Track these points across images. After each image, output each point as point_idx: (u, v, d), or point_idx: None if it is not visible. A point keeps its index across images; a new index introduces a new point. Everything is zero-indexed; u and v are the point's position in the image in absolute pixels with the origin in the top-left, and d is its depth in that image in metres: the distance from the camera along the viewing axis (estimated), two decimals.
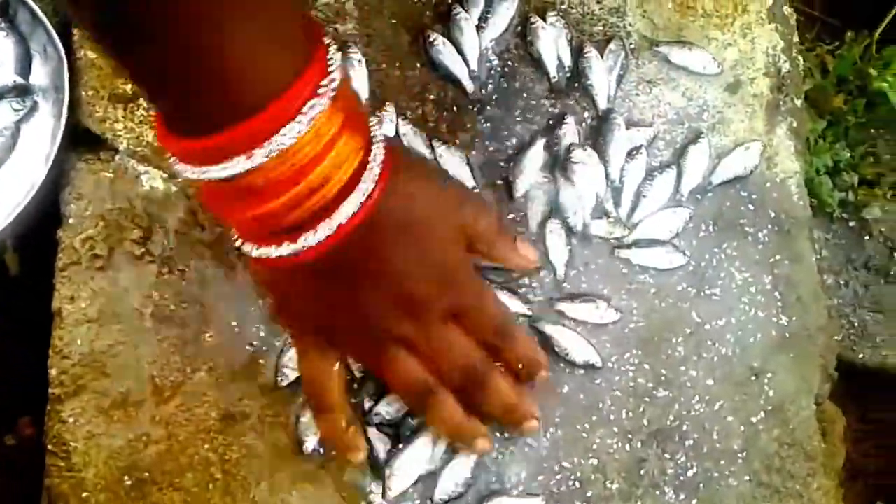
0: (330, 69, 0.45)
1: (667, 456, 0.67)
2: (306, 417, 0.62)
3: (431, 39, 0.70)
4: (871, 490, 0.92)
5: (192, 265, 0.65)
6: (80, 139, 0.67)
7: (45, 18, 0.68)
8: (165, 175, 0.66)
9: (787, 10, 0.77)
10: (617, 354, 0.67)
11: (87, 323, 0.64)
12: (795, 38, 0.77)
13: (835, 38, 0.96)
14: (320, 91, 0.44)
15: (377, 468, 0.62)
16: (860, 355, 0.88)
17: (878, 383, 0.91)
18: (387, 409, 0.62)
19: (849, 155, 0.88)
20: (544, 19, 0.71)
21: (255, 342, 0.64)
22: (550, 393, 0.65)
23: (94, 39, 0.47)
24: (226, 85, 0.42)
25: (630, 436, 0.66)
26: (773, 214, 0.72)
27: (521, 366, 0.61)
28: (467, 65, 0.70)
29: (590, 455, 0.66)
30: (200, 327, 0.64)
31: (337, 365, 0.58)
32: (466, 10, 0.71)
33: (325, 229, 0.47)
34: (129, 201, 0.66)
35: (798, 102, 0.75)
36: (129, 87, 0.67)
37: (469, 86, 0.70)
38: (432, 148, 0.67)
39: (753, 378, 0.69)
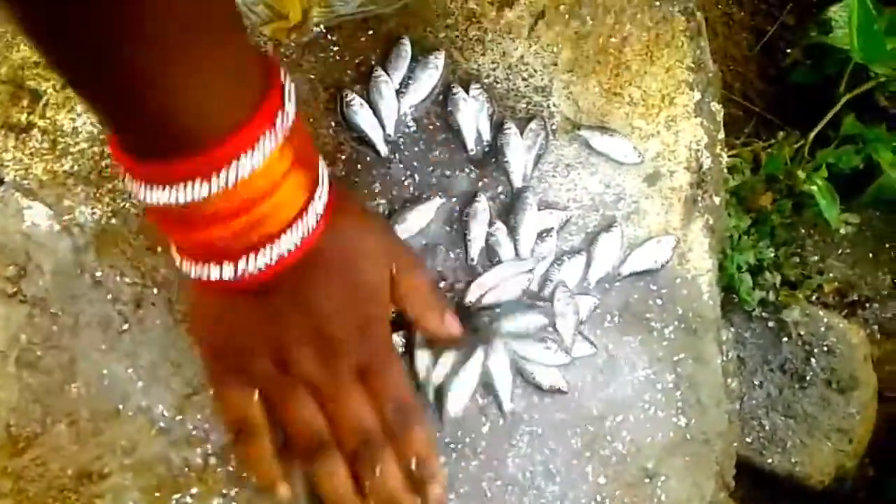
0: (284, 108, 0.46)
1: None
2: None
3: (349, 99, 0.68)
4: None
5: (67, 310, 0.62)
6: None
7: None
8: (51, 212, 0.63)
9: (716, 106, 0.76)
10: (507, 444, 0.65)
11: None
12: (721, 135, 0.76)
13: (772, 135, 0.95)
14: (273, 130, 0.46)
15: None
16: (769, 460, 0.86)
17: (786, 489, 0.89)
18: None
19: (773, 254, 0.87)
20: (467, 91, 0.70)
21: (124, 400, 0.61)
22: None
23: (49, 64, 0.48)
24: (179, 118, 0.43)
25: None
26: (680, 312, 0.70)
27: (414, 464, 0.57)
28: (383, 128, 0.68)
29: None
30: (67, 377, 0.61)
31: (256, 392, 0.56)
32: (388, 74, 0.69)
33: (263, 259, 0.48)
34: (7, 235, 0.62)
35: (717, 200, 0.74)
36: (24, 117, 0.65)
37: (383, 149, 0.68)
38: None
39: (647, 480, 0.67)
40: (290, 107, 0.47)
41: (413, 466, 0.57)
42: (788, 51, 1.00)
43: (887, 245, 0.98)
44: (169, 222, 0.49)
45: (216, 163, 0.44)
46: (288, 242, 0.48)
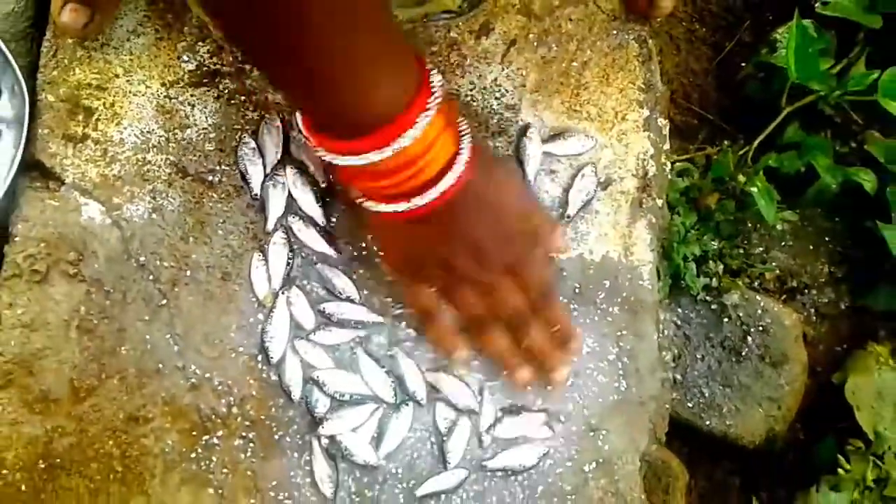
0: (434, 88, 0.61)
1: (506, 492, 0.78)
2: None
3: None
4: None
5: (117, 288, 0.76)
6: (32, 169, 0.78)
7: (14, 62, 0.79)
8: (103, 208, 0.77)
9: (662, 121, 0.89)
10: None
11: (21, 328, 0.74)
12: (665, 146, 0.89)
13: (724, 140, 1.08)
14: (429, 105, 0.61)
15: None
16: (707, 423, 0.99)
17: (722, 449, 1.03)
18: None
19: (717, 246, 1.01)
20: None
21: (163, 361, 0.75)
22: None
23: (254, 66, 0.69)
24: (366, 107, 0.59)
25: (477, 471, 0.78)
26: (624, 295, 0.83)
27: (556, 329, 0.76)
28: None
29: None
30: (117, 341, 0.75)
31: (433, 289, 0.74)
32: None
33: (427, 197, 0.64)
34: (68, 227, 0.76)
35: (659, 202, 0.87)
36: (80, 129, 0.78)
37: None
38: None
39: (591, 433, 0.80)
40: (438, 85, 0.62)
41: (555, 330, 0.76)
42: (743, 65, 1.13)
43: (826, 238, 1.10)
44: (355, 177, 0.65)
45: (391, 137, 0.59)
46: (445, 183, 0.64)
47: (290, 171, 0.79)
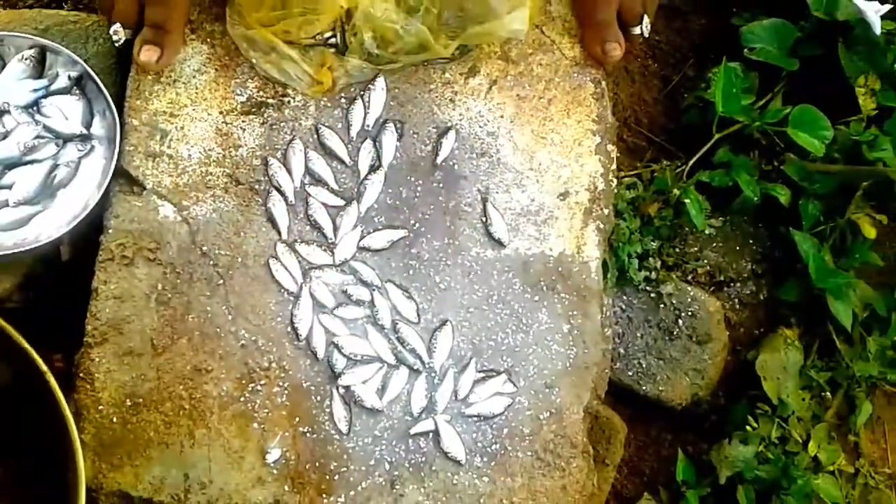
0: None
1: (479, 433, 1.02)
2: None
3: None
4: (646, 483, 1.28)
5: (185, 270, 0.99)
6: (121, 177, 1.01)
7: (105, 90, 1.01)
8: (175, 209, 1.00)
9: (611, 147, 1.11)
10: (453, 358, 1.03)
11: (113, 299, 0.97)
12: (613, 167, 1.12)
13: (669, 159, 1.31)
14: None
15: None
16: (644, 388, 1.23)
17: (656, 410, 1.27)
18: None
19: (655, 245, 1.24)
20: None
21: (220, 327, 0.99)
22: None
23: None
24: None
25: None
26: (575, 284, 1.07)
27: None
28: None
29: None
30: (185, 311, 0.98)
31: None
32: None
33: None
34: (148, 223, 0.99)
35: (606, 211, 1.10)
36: (157, 147, 1.01)
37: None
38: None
39: (547, 389, 1.04)
40: None
41: None
42: (686, 96, 1.36)
43: (749, 241, 1.32)
44: None
45: None
46: None
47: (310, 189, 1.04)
